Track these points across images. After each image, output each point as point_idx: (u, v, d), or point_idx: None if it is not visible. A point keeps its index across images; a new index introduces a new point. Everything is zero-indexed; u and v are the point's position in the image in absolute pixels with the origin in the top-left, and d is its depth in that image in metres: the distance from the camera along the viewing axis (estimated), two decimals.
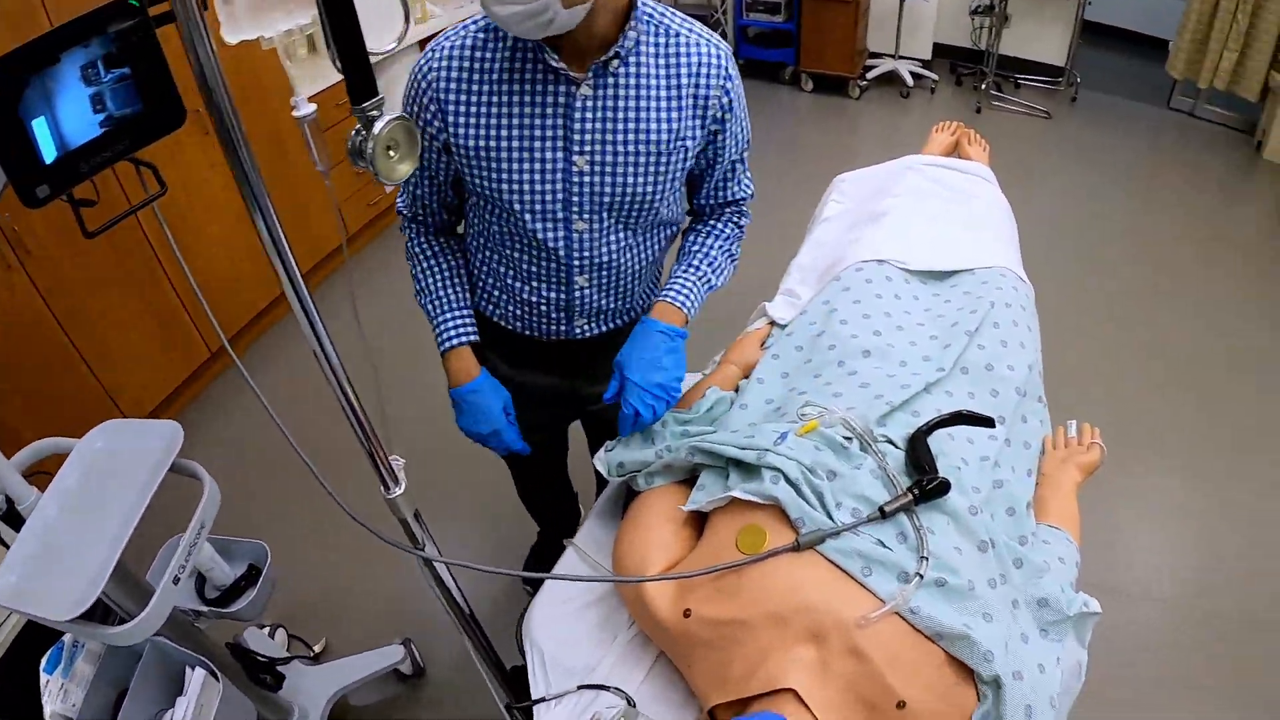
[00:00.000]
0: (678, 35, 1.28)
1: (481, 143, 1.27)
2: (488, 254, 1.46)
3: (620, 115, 1.25)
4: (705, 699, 1.12)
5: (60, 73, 0.92)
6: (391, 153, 0.95)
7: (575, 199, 1.30)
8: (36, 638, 1.75)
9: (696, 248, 1.50)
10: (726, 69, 1.30)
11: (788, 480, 1.15)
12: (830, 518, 1.13)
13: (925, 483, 1.13)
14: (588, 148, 1.26)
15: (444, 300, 1.47)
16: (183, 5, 0.71)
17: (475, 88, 1.26)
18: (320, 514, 1.02)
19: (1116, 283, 3.91)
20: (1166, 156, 5.17)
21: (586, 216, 1.32)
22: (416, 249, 1.49)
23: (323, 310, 0.94)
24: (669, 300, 1.43)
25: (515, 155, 1.27)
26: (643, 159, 1.28)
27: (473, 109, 1.26)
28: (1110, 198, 4.66)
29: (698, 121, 1.30)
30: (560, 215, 1.31)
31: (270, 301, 3.51)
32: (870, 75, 5.81)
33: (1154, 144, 5.30)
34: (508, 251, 1.41)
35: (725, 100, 1.31)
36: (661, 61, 1.27)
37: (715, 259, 1.50)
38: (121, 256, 2.78)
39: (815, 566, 1.09)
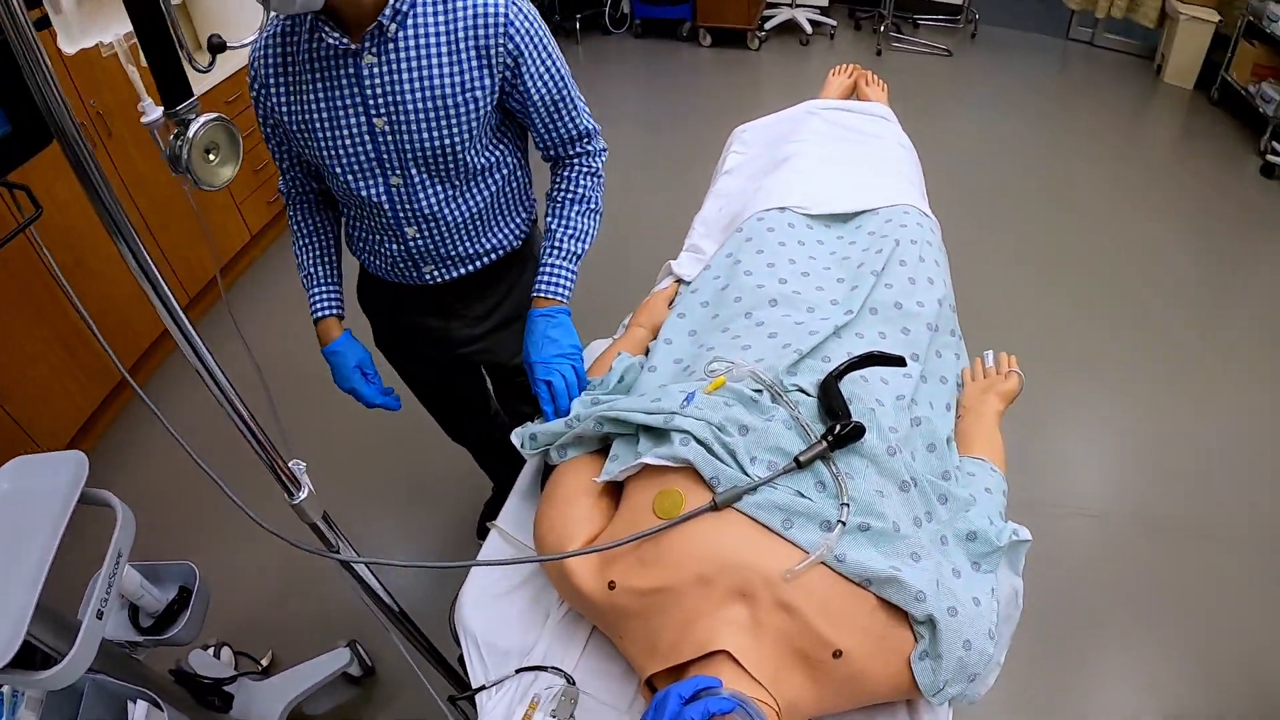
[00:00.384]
0: None
1: (298, 118, 1.40)
2: (346, 213, 1.62)
3: (406, 76, 1.33)
4: (641, 670, 1.10)
5: None
6: (211, 156, 0.90)
7: (384, 156, 1.40)
8: None
9: (556, 224, 1.56)
10: (506, 15, 1.33)
11: (697, 441, 1.14)
12: (745, 473, 1.11)
13: (839, 428, 1.12)
14: (383, 110, 1.35)
15: (313, 276, 1.64)
16: (14, 28, 0.66)
17: (287, 69, 1.38)
18: (252, 527, 0.99)
19: (1028, 212, 3.98)
20: (1069, 86, 5.27)
21: (399, 171, 1.42)
22: (294, 227, 1.66)
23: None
24: (539, 294, 1.54)
25: (326, 125, 1.38)
26: (434, 114, 1.35)
27: (287, 90, 1.39)
28: (1016, 130, 4.74)
29: (484, 71, 1.36)
30: (377, 173, 1.42)
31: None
32: (768, 26, 5.81)
33: (1056, 75, 5.40)
34: (351, 210, 1.55)
35: (509, 46, 1.35)
36: (441, 19, 1.33)
37: (575, 226, 1.56)
38: (20, 284, 2.64)
39: (735, 524, 1.08)
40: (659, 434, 1.20)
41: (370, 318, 1.83)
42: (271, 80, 1.40)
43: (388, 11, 1.29)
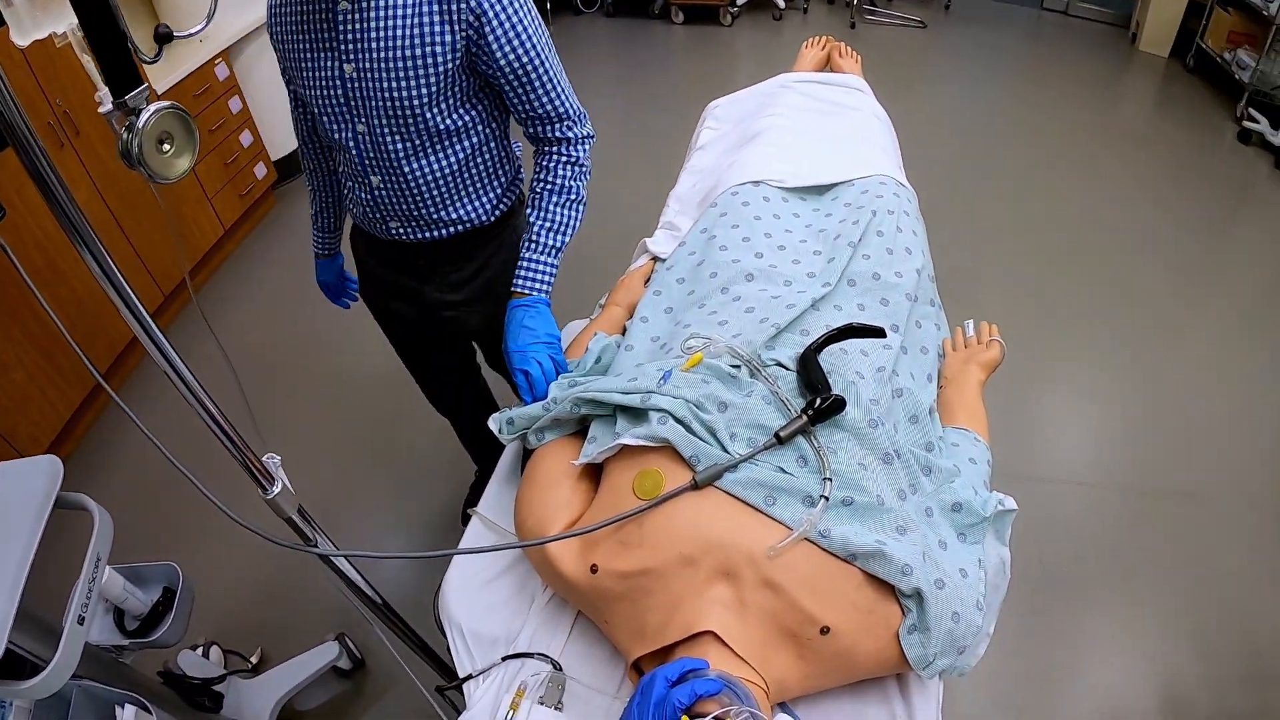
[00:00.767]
0: None
1: (291, 60, 1.50)
2: (334, 154, 1.68)
3: (374, 25, 1.37)
4: (627, 653, 1.09)
5: None
6: (165, 146, 0.86)
7: (353, 103, 1.46)
8: None
9: (535, 216, 1.56)
10: None
11: (675, 419, 1.12)
12: (726, 451, 1.10)
13: (819, 402, 1.10)
14: (353, 56, 1.41)
15: (316, 221, 1.90)
16: None
17: (287, 18, 1.47)
18: (236, 526, 0.98)
19: (1005, 182, 3.98)
20: (1045, 55, 5.26)
21: (364, 119, 1.47)
22: (306, 177, 1.84)
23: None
24: (516, 288, 1.56)
25: (308, 68, 1.47)
26: (395, 65, 1.39)
27: (287, 33, 1.48)
28: (993, 100, 4.73)
29: (446, 28, 1.37)
30: (346, 117, 1.48)
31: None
32: (741, 1, 5.76)
33: (1032, 44, 5.39)
34: (335, 154, 1.61)
35: (472, 3, 1.35)
36: None
37: (554, 218, 1.56)
38: None
39: (717, 503, 1.07)
40: (637, 414, 1.19)
41: (357, 266, 1.90)
42: (277, 24, 1.49)
43: None
